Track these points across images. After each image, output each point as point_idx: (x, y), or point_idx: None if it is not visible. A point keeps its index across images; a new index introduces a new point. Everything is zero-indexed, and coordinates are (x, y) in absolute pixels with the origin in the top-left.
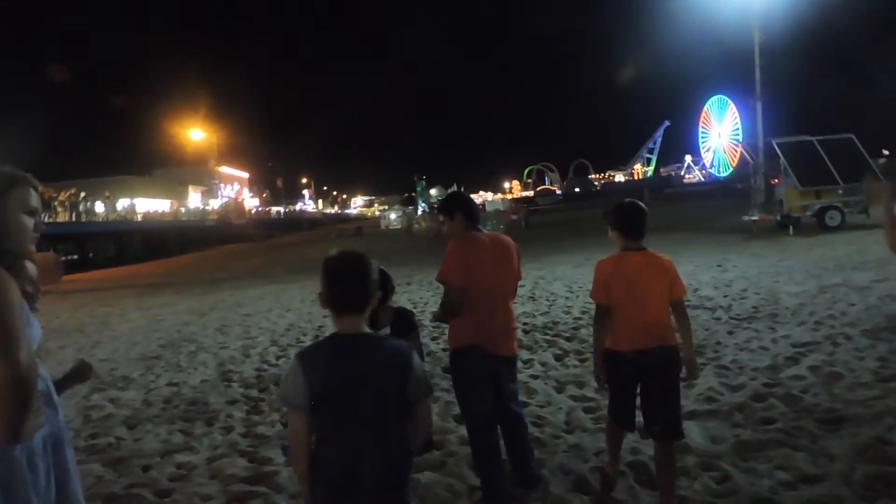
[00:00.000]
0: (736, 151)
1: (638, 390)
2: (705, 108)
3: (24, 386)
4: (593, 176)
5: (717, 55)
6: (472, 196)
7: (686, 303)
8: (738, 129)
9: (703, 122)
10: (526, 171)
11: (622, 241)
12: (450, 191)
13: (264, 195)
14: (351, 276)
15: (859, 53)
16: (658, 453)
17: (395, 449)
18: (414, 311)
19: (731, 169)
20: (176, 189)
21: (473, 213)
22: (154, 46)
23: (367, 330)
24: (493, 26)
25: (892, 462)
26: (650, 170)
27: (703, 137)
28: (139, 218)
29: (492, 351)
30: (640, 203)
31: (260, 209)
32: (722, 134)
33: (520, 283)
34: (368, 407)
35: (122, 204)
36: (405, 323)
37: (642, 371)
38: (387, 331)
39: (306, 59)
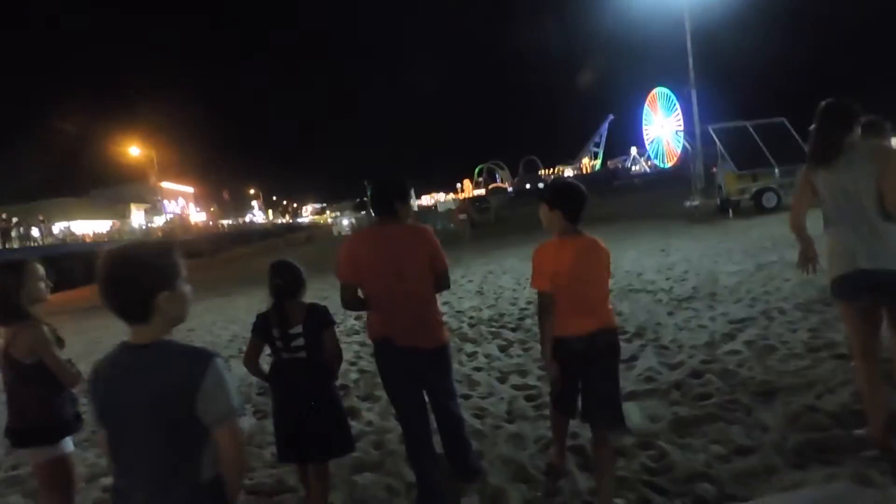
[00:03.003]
0: (676, 152)
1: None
2: (653, 92)
3: None
4: (543, 171)
5: (656, 47)
6: (424, 197)
7: (630, 287)
8: (680, 129)
9: (650, 104)
10: (477, 170)
11: (563, 224)
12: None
13: (212, 209)
14: (117, 282)
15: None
16: (597, 438)
17: (181, 486)
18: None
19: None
20: (117, 208)
21: (372, 207)
22: (87, 61)
23: (164, 337)
24: (433, 27)
25: (822, 428)
26: (598, 163)
27: (646, 122)
28: (77, 239)
29: (406, 343)
30: (581, 186)
31: (209, 223)
32: (665, 127)
33: (468, 279)
34: (145, 431)
35: (58, 227)
36: (318, 320)
37: (587, 356)
38: (299, 329)
39: (246, 66)
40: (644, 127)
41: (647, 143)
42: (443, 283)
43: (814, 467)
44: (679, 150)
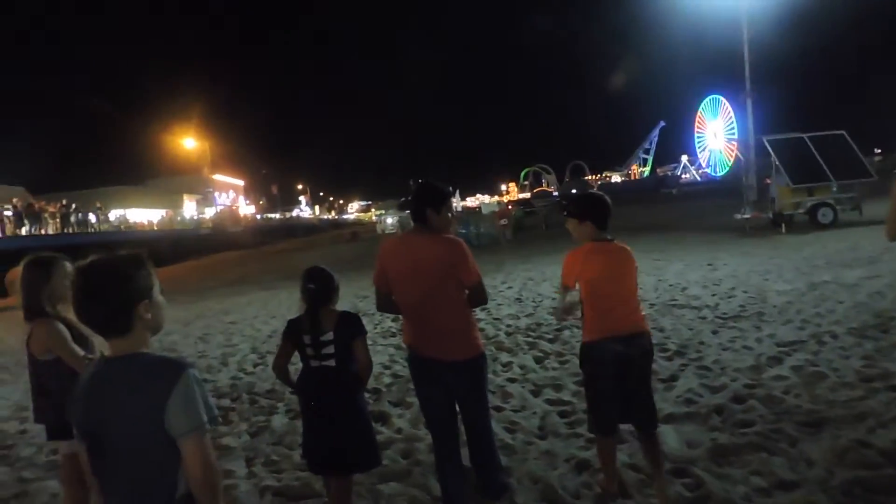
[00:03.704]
0: (732, 148)
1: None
2: (699, 111)
3: None
4: (590, 177)
5: (710, 54)
6: (469, 198)
7: (673, 302)
8: (732, 125)
9: (698, 125)
10: (523, 173)
11: (593, 233)
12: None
13: (261, 202)
14: (97, 295)
15: (853, 51)
16: (646, 444)
17: (155, 501)
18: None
19: (729, 166)
20: (171, 198)
21: (411, 212)
22: (147, 55)
23: (137, 348)
24: (489, 29)
25: (872, 466)
26: (647, 170)
27: (698, 139)
28: (131, 227)
29: (429, 354)
30: (604, 195)
31: (259, 216)
32: (717, 133)
33: (507, 285)
34: (119, 445)
35: (114, 214)
36: (349, 328)
37: (624, 360)
38: (330, 336)
39: (302, 62)
40: (697, 145)
41: (699, 154)
42: (476, 297)
43: None
44: (734, 143)
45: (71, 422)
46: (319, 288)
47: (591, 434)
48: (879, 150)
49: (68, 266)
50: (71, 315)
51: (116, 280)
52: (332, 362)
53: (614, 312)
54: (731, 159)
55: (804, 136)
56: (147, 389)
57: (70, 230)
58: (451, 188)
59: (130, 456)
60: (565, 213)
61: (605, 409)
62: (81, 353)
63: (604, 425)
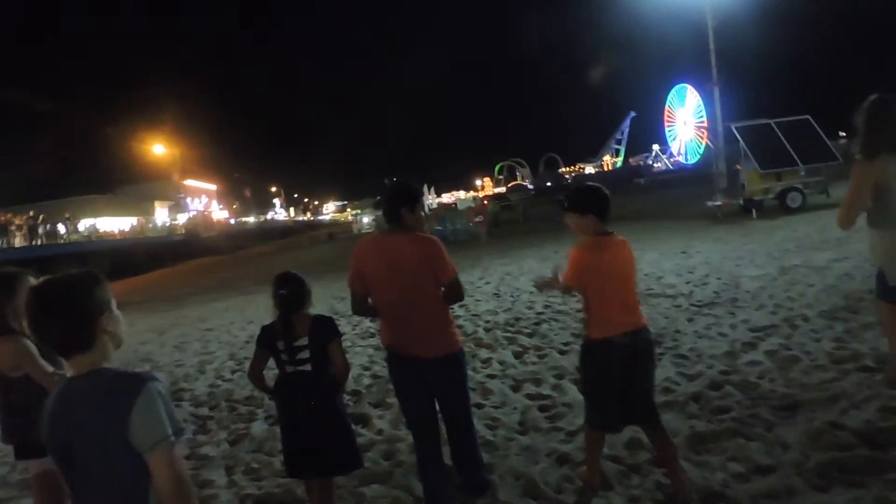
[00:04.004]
0: (703, 131)
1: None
2: (666, 105)
3: None
4: (564, 169)
5: (677, 44)
6: (444, 195)
7: (649, 291)
8: (701, 108)
9: (668, 118)
10: (497, 168)
11: (596, 226)
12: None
13: (234, 206)
14: (56, 313)
15: (815, 34)
16: (654, 436)
17: None
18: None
19: (701, 153)
20: (142, 205)
21: (385, 212)
22: (113, 61)
23: (101, 364)
24: (457, 24)
25: (846, 447)
26: (619, 160)
27: (669, 132)
28: (101, 236)
29: (409, 353)
30: (602, 186)
31: (233, 221)
32: (686, 120)
33: (485, 280)
34: (88, 463)
35: (84, 224)
36: (324, 332)
37: (631, 355)
38: (304, 341)
39: (271, 64)
40: (667, 135)
41: (670, 143)
42: (453, 294)
43: (837, 489)
44: (704, 123)
45: (42, 441)
46: (291, 293)
47: (593, 427)
48: (844, 134)
49: (33, 281)
50: None
51: (76, 295)
52: (307, 367)
53: (622, 307)
54: (704, 141)
55: (770, 121)
56: (109, 405)
57: (38, 242)
58: (423, 185)
59: (99, 472)
60: (564, 206)
61: (611, 407)
62: (51, 369)
63: (607, 422)
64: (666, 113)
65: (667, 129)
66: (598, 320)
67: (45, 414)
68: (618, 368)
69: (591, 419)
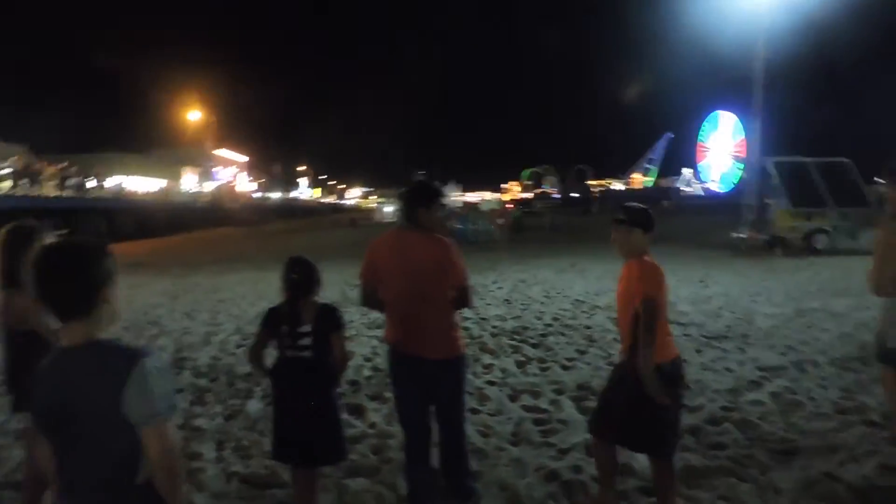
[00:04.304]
0: (741, 149)
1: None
2: (699, 140)
3: None
4: (592, 182)
5: (722, 72)
6: (470, 193)
7: None
8: (738, 127)
9: (700, 153)
10: (525, 173)
11: (646, 245)
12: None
13: (262, 180)
14: (65, 273)
15: (860, 80)
16: (659, 466)
17: (118, 489)
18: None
19: (740, 174)
20: (171, 169)
21: (403, 210)
22: (157, 24)
23: (96, 335)
24: (501, 29)
25: (839, 501)
26: (650, 180)
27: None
28: (131, 195)
29: (411, 352)
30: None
31: (260, 194)
32: (723, 145)
33: (498, 285)
34: (82, 432)
35: (111, 182)
36: (328, 321)
37: (675, 381)
38: (308, 328)
39: (312, 47)
40: (700, 141)
41: (700, 157)
42: (462, 299)
43: None
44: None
45: (32, 414)
46: (301, 279)
47: (668, 459)
48: (881, 180)
49: (51, 237)
50: None
51: (85, 260)
52: (307, 353)
53: (668, 333)
54: (743, 156)
55: (808, 160)
56: (103, 378)
57: (66, 194)
58: (451, 182)
59: (92, 441)
60: (623, 222)
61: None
62: (56, 326)
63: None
64: (698, 149)
65: (699, 165)
66: (665, 343)
67: (36, 378)
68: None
69: (668, 449)
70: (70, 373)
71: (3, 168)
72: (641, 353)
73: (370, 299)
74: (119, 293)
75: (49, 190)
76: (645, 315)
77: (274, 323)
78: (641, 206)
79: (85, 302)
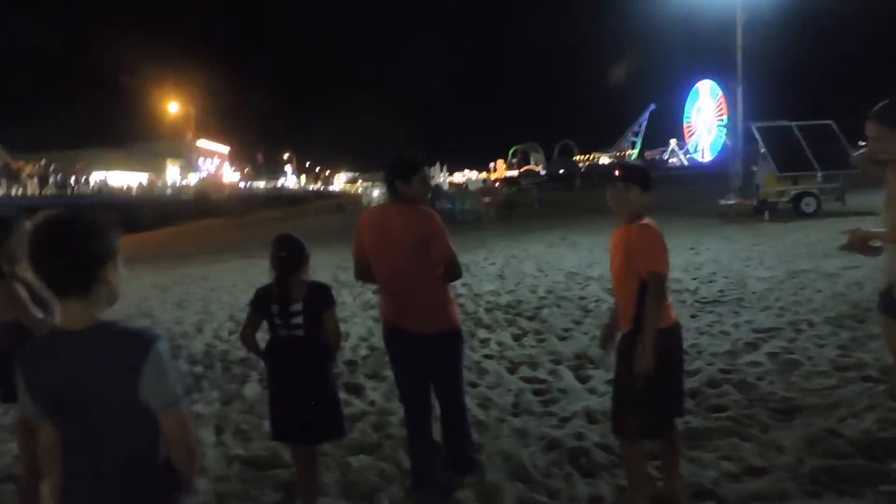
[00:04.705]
0: (722, 107)
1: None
2: (684, 121)
3: None
4: (578, 157)
5: (704, 39)
6: (456, 174)
7: None
8: (716, 89)
9: (687, 132)
10: (511, 151)
11: (645, 204)
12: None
13: (245, 170)
14: (63, 248)
15: (845, 42)
16: (672, 437)
17: (132, 470)
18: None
19: (724, 134)
20: (154, 162)
21: (385, 184)
22: (133, 16)
23: (98, 317)
24: (479, 6)
25: (841, 455)
26: (635, 152)
27: (686, 121)
28: (111, 191)
29: (403, 326)
30: None
31: (244, 185)
32: (705, 111)
33: (490, 261)
34: (97, 418)
35: (95, 177)
36: (319, 299)
37: (680, 345)
38: (299, 307)
39: (291, 27)
40: (685, 129)
41: (687, 139)
42: (449, 271)
43: (829, 497)
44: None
45: (25, 388)
46: (290, 256)
47: (651, 436)
48: (864, 143)
49: (28, 225)
50: (29, 276)
51: (87, 234)
52: (300, 332)
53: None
54: (725, 115)
55: (792, 124)
56: (117, 364)
57: (48, 192)
58: (426, 159)
59: (104, 427)
60: (623, 179)
61: (682, 398)
62: (40, 315)
63: (672, 406)
64: (685, 129)
65: (688, 143)
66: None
67: (27, 361)
68: (671, 362)
69: (655, 425)
70: (74, 357)
71: None
72: (647, 327)
73: (364, 273)
74: (120, 274)
75: (30, 189)
76: (655, 291)
77: (263, 303)
78: (639, 163)
79: (83, 279)
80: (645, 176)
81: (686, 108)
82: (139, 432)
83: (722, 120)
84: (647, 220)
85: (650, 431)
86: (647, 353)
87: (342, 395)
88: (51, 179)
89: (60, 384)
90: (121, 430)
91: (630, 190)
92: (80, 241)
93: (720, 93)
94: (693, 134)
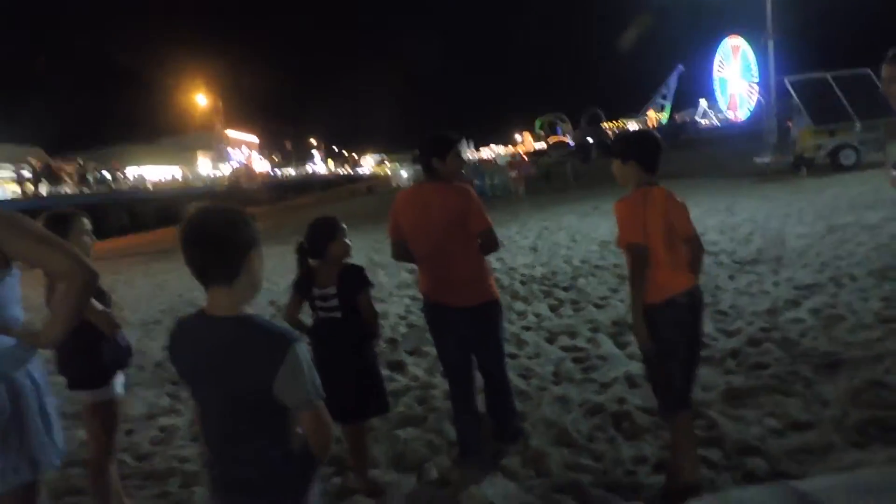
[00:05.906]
0: (753, 91)
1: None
2: (717, 55)
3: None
4: (606, 125)
5: None
6: (483, 149)
7: None
8: (749, 66)
9: (718, 69)
10: (538, 123)
11: (640, 176)
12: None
13: (276, 158)
14: (214, 238)
15: None
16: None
17: (263, 455)
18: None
19: (750, 110)
20: (184, 155)
21: (421, 166)
22: (153, 10)
23: (241, 307)
24: None
25: (887, 406)
26: (664, 116)
27: (721, 83)
28: (150, 186)
29: (443, 301)
30: (655, 133)
31: (275, 172)
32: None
33: (522, 235)
34: (226, 406)
35: (131, 173)
36: (353, 282)
37: (696, 315)
38: (333, 290)
39: (310, 19)
40: (716, 88)
41: (718, 98)
42: (487, 244)
43: (875, 447)
44: (753, 85)
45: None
46: (305, 244)
47: (669, 414)
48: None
49: (86, 221)
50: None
51: (236, 225)
52: (337, 314)
53: (678, 263)
54: (752, 102)
55: (827, 74)
56: (255, 360)
57: (88, 190)
58: (460, 135)
59: (243, 414)
60: (607, 155)
61: (693, 377)
62: (100, 307)
63: (689, 396)
64: (716, 63)
65: (717, 79)
66: (659, 282)
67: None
68: (689, 332)
69: (672, 403)
70: (218, 342)
71: (22, 170)
72: (633, 305)
73: (401, 252)
74: (262, 264)
75: (69, 188)
76: (629, 266)
77: (305, 286)
78: (633, 133)
79: (229, 267)
80: (623, 148)
81: (715, 62)
82: (270, 424)
83: (753, 80)
84: (641, 190)
85: (676, 405)
86: (634, 330)
87: (384, 372)
88: (90, 177)
89: (199, 363)
90: (253, 419)
91: (613, 163)
92: (230, 229)
93: (752, 54)
94: (721, 90)
